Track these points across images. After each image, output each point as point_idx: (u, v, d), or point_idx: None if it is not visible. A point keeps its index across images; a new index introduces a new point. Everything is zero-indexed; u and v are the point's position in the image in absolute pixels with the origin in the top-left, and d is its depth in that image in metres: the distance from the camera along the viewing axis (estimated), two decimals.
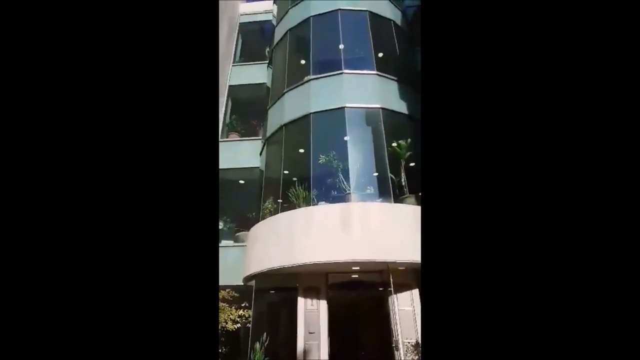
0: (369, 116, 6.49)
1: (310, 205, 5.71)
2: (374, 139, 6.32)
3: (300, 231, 5.19)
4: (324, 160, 5.88)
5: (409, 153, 6.05)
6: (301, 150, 6.50)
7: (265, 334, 5.00)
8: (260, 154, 7.99)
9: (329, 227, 5.03)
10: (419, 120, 6.67)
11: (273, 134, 7.34)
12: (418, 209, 5.27)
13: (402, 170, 5.93)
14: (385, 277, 5.46)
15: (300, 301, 5.76)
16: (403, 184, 5.81)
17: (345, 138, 6.16)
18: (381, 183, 5.91)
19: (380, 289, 6.02)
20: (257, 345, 4.64)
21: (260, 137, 8.33)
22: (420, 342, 5.07)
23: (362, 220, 5.02)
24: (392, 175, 5.82)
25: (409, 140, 6.08)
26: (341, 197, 5.72)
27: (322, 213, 5.25)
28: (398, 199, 5.61)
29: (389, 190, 5.70)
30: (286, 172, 6.68)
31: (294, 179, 6.33)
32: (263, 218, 6.26)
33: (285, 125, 6.98)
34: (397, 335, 5.10)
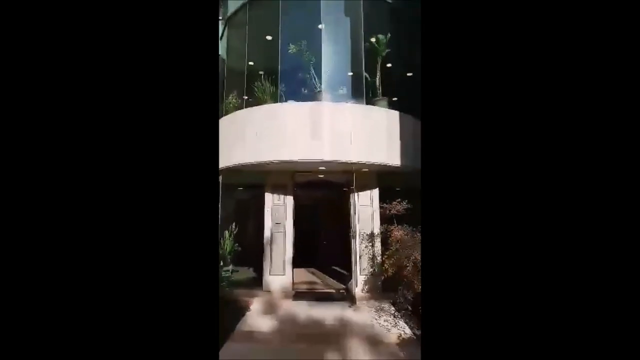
0: (349, 5, 5.65)
1: (277, 102, 5.36)
2: (351, 32, 5.66)
3: (268, 128, 4.98)
4: (294, 50, 5.26)
5: (387, 50, 5.59)
6: (268, 38, 5.71)
7: (234, 223, 5.27)
8: (221, 38, 6.93)
9: (298, 127, 4.87)
10: (401, 9, 5.97)
11: (235, 14, 6.25)
12: (389, 112, 5.19)
13: (378, 69, 5.57)
14: (349, 178, 5.72)
15: (268, 196, 5.98)
16: (377, 84, 5.55)
17: (320, 26, 5.43)
18: (355, 84, 5.58)
19: (344, 189, 6.37)
20: (227, 233, 4.94)
21: (220, 17, 7.09)
22: (374, 232, 5.73)
23: (332, 121, 4.88)
24: (366, 75, 5.47)
25: (389, 35, 5.54)
26: (311, 95, 5.39)
27: (292, 111, 4.99)
28: (370, 100, 5.42)
29: (362, 92, 5.44)
30: (251, 63, 5.99)
31: (260, 72, 5.73)
32: (227, 113, 5.85)
33: (250, 2, 5.91)
34: (355, 227, 5.68)
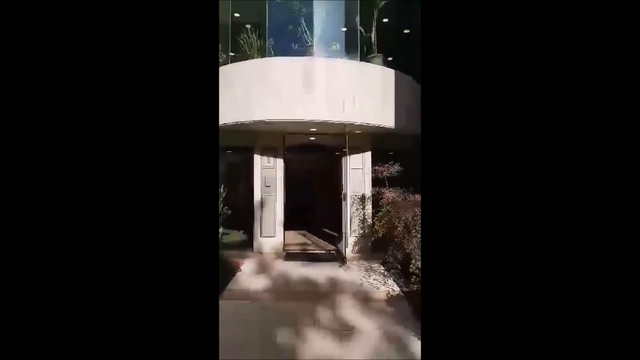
0: None
1: (265, 57, 5.03)
2: None
3: (257, 86, 4.71)
4: None
5: (383, 2, 5.22)
6: None
7: (222, 186, 5.16)
8: None
9: (290, 84, 4.61)
10: None
11: None
12: (385, 70, 4.95)
13: (374, 24, 5.24)
14: (341, 140, 5.58)
15: (258, 159, 5.83)
16: (372, 40, 5.24)
17: None
18: (349, 39, 5.26)
19: (336, 152, 6.24)
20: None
21: None
22: (365, 195, 5.71)
23: (327, 79, 4.63)
24: (361, 29, 5.14)
25: None
26: (302, 50, 5.07)
27: (282, 67, 4.70)
28: (365, 57, 5.15)
29: (356, 48, 5.14)
30: (236, 14, 5.54)
31: (247, 25, 5.33)
32: None
33: None
34: (346, 189, 5.64)
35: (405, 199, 4.36)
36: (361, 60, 5.07)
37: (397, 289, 4.11)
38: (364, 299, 3.86)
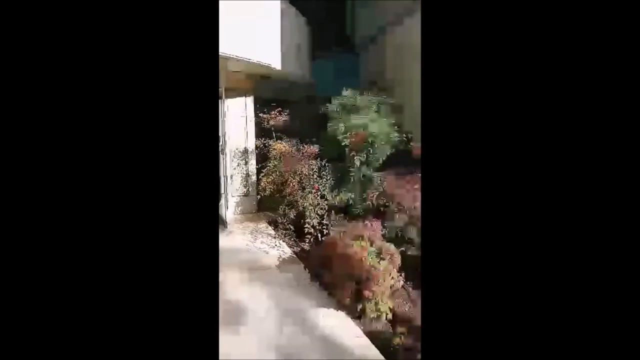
0: None
1: None
2: None
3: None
4: None
5: None
6: None
7: None
8: None
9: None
10: None
11: None
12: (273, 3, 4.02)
13: None
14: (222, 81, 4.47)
15: None
16: None
17: None
18: None
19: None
20: None
21: None
22: (248, 148, 4.92)
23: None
24: None
25: None
26: None
27: None
28: None
29: None
30: None
31: None
32: None
33: None
34: (224, 140, 4.68)
35: (299, 150, 3.85)
36: None
37: (288, 250, 3.69)
38: (251, 268, 3.28)
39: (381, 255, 2.95)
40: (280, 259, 3.49)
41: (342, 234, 3.24)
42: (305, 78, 4.57)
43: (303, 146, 3.97)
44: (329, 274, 2.95)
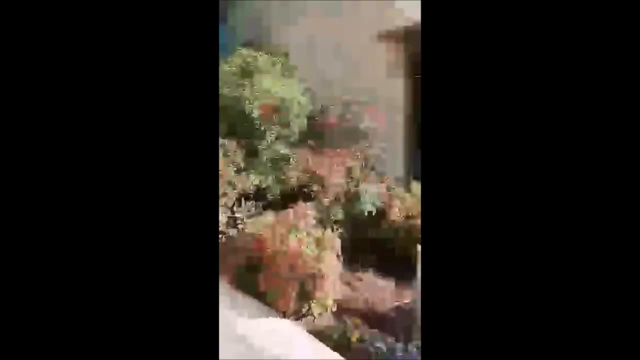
0: None
1: None
2: None
3: None
4: None
5: None
6: None
7: None
8: None
9: None
10: None
11: None
12: None
13: None
14: None
15: None
16: None
17: None
18: None
19: None
20: None
21: None
22: None
23: None
24: None
25: None
26: None
27: None
28: None
29: None
30: None
31: None
32: None
33: None
34: None
35: None
36: None
37: None
38: None
39: (322, 245, 2.47)
40: None
41: (269, 226, 2.58)
42: None
43: None
44: (261, 278, 2.28)
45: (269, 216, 2.83)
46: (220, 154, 2.90)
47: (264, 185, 3.20)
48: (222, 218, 2.78)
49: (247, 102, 2.97)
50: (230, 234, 2.88)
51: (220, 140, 2.98)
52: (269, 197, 3.20)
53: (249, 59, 3.32)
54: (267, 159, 3.24)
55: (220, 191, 2.81)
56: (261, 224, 2.69)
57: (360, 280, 2.97)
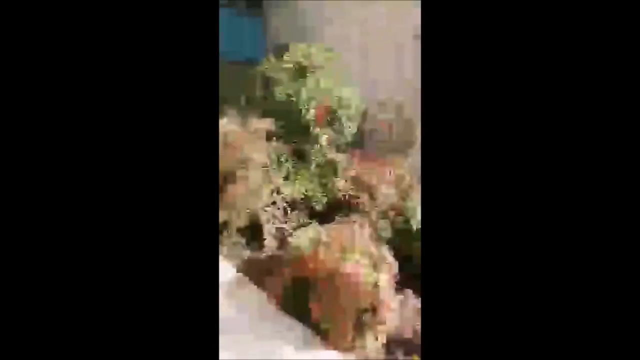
0: None
1: None
2: None
3: None
4: None
5: None
6: None
7: None
8: None
9: None
10: None
11: None
12: None
13: None
14: None
15: None
16: None
17: None
18: None
19: None
20: None
21: None
22: None
23: None
24: None
25: None
26: None
27: None
28: None
29: None
30: None
31: None
32: None
33: None
34: None
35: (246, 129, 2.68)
36: None
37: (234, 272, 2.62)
38: None
39: (378, 267, 2.27)
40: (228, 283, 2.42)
41: (318, 241, 2.38)
42: None
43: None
44: (316, 305, 2.11)
45: (316, 228, 2.64)
46: (269, 159, 2.72)
47: (310, 194, 3.00)
48: (270, 228, 2.61)
49: (303, 104, 2.74)
50: (275, 246, 2.72)
51: (270, 144, 2.80)
52: (315, 207, 3.00)
53: (302, 56, 3.07)
54: (316, 165, 3.03)
55: (269, 200, 2.65)
56: (308, 238, 2.50)
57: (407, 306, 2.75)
